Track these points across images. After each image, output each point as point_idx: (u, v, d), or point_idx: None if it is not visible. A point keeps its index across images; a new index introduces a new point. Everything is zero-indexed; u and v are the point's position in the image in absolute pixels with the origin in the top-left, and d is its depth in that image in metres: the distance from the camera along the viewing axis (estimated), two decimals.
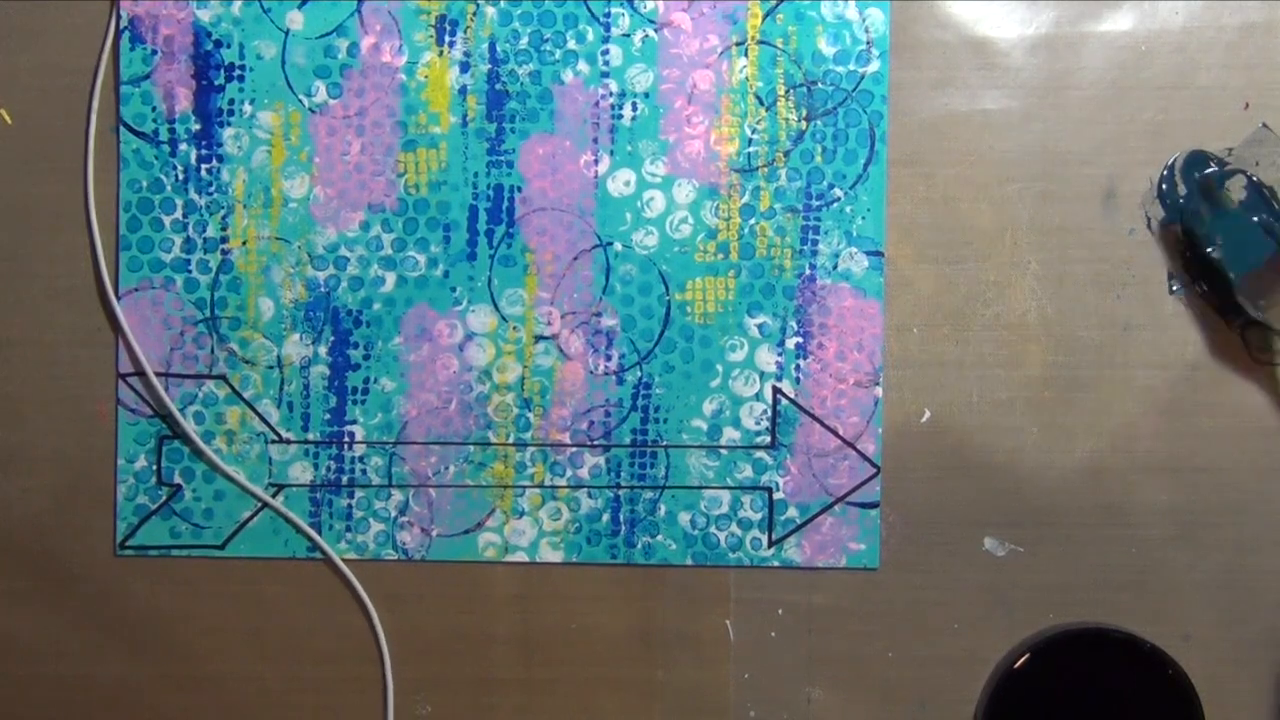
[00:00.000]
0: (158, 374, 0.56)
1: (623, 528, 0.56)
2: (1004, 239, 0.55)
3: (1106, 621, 0.55)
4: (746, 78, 0.55)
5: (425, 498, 0.56)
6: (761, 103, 0.55)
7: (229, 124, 0.56)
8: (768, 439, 0.56)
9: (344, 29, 0.56)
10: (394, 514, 0.56)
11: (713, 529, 0.56)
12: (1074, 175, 0.55)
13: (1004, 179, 0.55)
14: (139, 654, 0.57)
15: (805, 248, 0.55)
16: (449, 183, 0.56)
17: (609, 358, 0.56)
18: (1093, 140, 0.55)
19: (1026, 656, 0.54)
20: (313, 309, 0.56)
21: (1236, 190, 0.54)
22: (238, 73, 0.56)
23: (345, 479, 0.56)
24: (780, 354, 0.56)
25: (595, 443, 0.56)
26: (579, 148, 0.56)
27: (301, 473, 0.56)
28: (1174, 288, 0.55)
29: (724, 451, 0.56)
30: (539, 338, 0.56)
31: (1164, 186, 0.55)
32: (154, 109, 0.56)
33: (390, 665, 0.56)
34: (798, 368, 0.56)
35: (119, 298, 0.56)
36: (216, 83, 0.56)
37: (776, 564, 0.56)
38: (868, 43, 0.55)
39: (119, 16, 0.56)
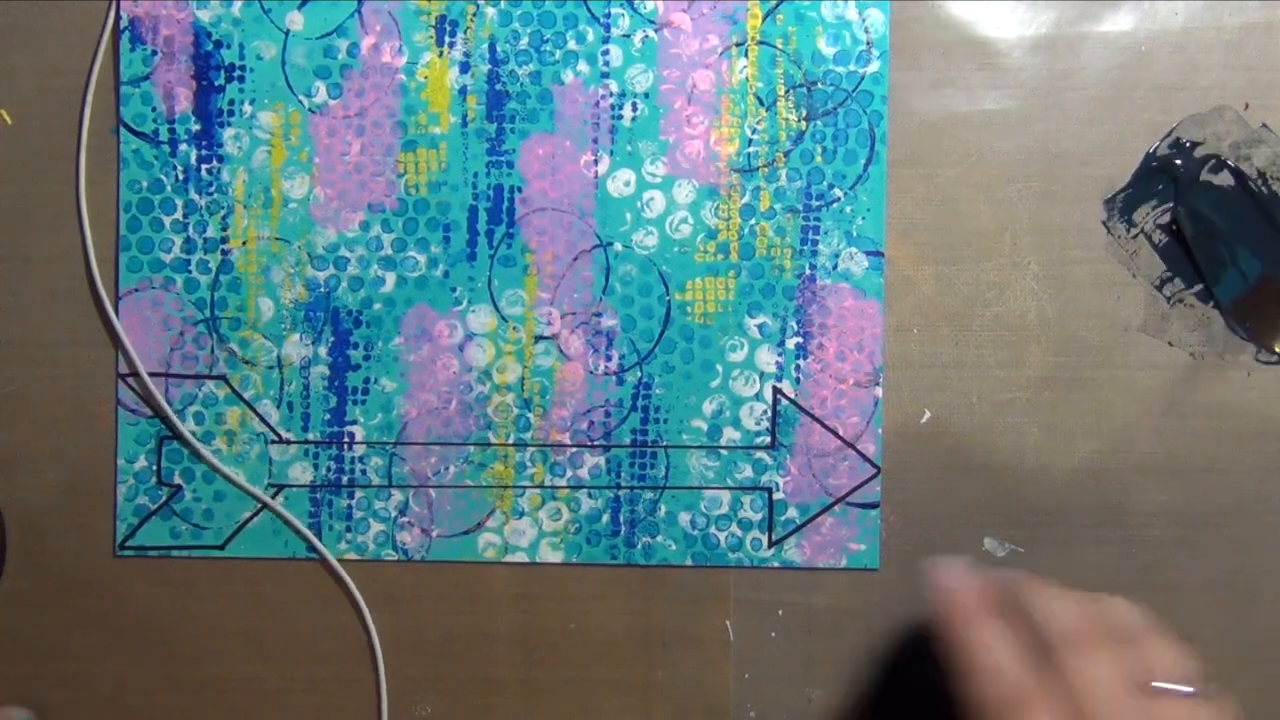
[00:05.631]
0: (158, 374, 0.56)
1: (623, 528, 0.56)
2: (1004, 239, 0.56)
3: None
4: (746, 78, 0.55)
5: (425, 498, 0.56)
6: (761, 103, 0.55)
7: (229, 124, 0.56)
8: (768, 439, 0.56)
9: (344, 29, 0.56)
10: (394, 514, 0.56)
11: (713, 529, 0.56)
12: (1074, 175, 0.55)
13: (1004, 179, 0.55)
14: (139, 654, 0.57)
15: (805, 248, 0.55)
16: (449, 183, 0.56)
17: (609, 358, 0.56)
18: (1093, 140, 0.55)
19: None
20: (313, 309, 0.56)
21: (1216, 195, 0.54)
22: (238, 73, 0.56)
23: (345, 479, 0.56)
24: (780, 354, 0.56)
25: (595, 443, 0.56)
26: (579, 148, 0.56)
27: (301, 473, 0.56)
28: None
29: (724, 452, 0.56)
30: (539, 338, 0.56)
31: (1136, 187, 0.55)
32: (154, 109, 0.56)
33: (384, 665, 0.56)
34: (798, 368, 0.56)
35: (119, 298, 0.56)
36: (216, 83, 0.56)
37: (776, 564, 0.56)
38: (867, 43, 0.55)
39: (119, 16, 0.56)
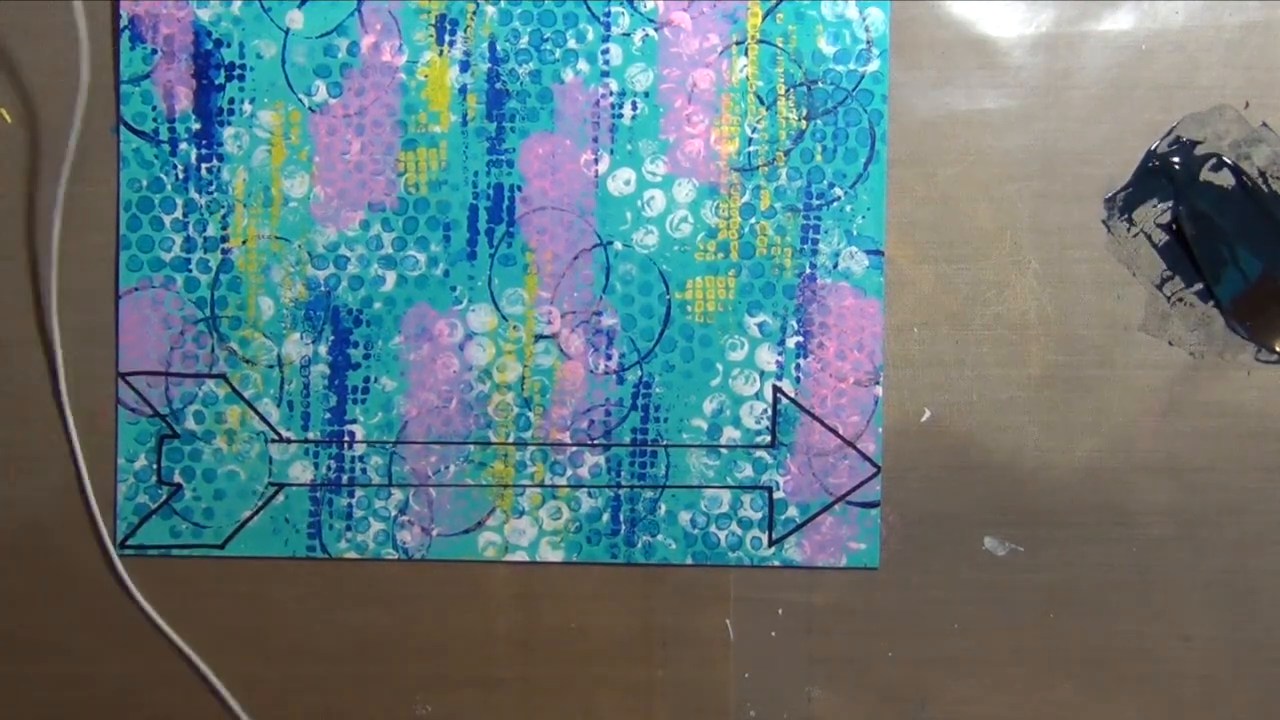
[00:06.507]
0: (158, 373, 0.56)
1: (623, 527, 0.56)
2: (1004, 239, 0.56)
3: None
4: (746, 77, 0.55)
5: (425, 497, 0.56)
6: (762, 102, 0.55)
7: (229, 123, 0.56)
8: (768, 438, 0.56)
9: (344, 28, 0.56)
10: (394, 513, 0.56)
11: (713, 528, 0.56)
12: (1074, 174, 0.55)
13: (1004, 179, 0.55)
14: (139, 654, 0.57)
15: (805, 247, 0.55)
16: (449, 182, 0.56)
17: (609, 357, 0.56)
18: (1093, 140, 0.55)
19: None
20: (313, 308, 0.56)
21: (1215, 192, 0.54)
22: (238, 72, 0.56)
23: (345, 478, 0.56)
24: (780, 353, 0.56)
25: (595, 442, 0.56)
26: (579, 147, 0.56)
27: (301, 472, 0.56)
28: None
29: (724, 451, 0.56)
30: (539, 337, 0.56)
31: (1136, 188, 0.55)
32: (154, 108, 0.56)
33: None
34: (798, 367, 0.56)
35: (119, 297, 0.56)
36: (217, 82, 0.56)
37: (776, 563, 0.56)
38: (868, 42, 0.55)
39: (119, 15, 0.56)
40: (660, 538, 0.56)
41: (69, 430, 0.56)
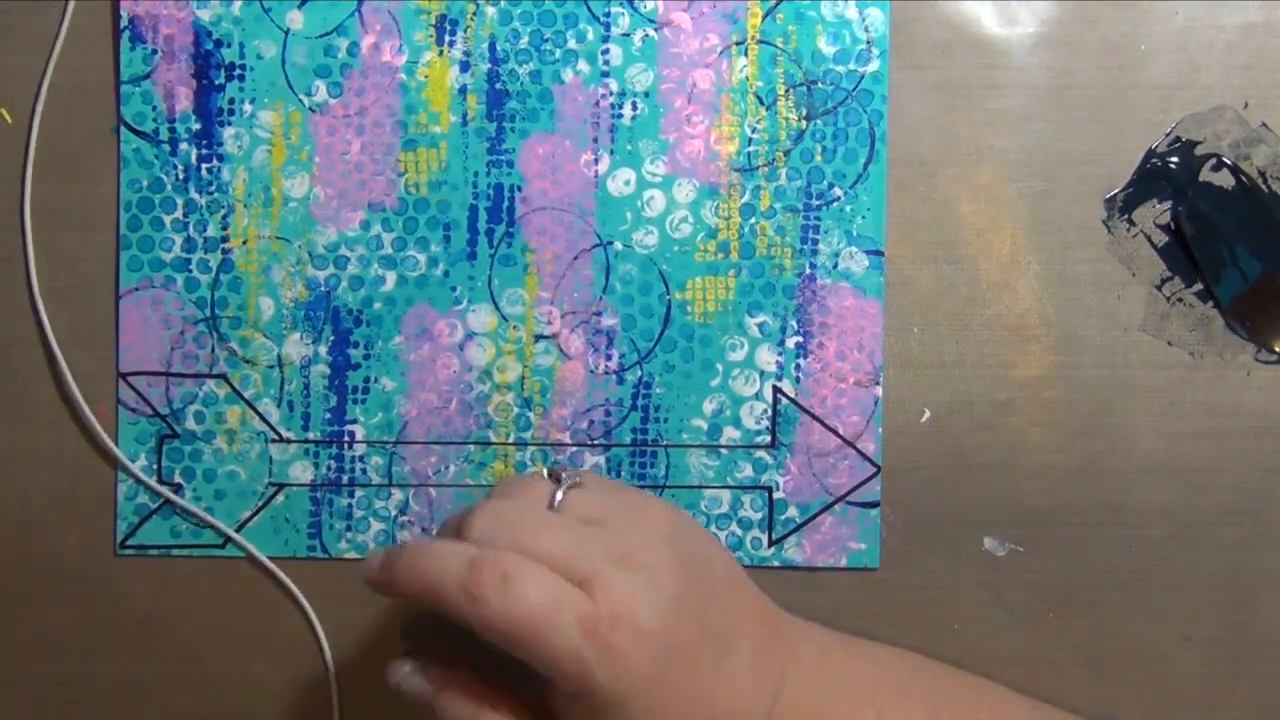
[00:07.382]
0: (158, 373, 0.56)
1: None
2: (1004, 239, 0.56)
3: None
4: (746, 77, 0.55)
5: (425, 497, 0.56)
6: (761, 102, 0.55)
7: (229, 123, 0.56)
8: (768, 438, 0.56)
9: (344, 28, 0.56)
10: (394, 513, 0.56)
11: (713, 528, 0.56)
12: (1074, 175, 0.55)
13: (1004, 179, 0.55)
14: (139, 654, 0.57)
15: (805, 247, 0.55)
16: (449, 182, 0.56)
17: (609, 357, 0.56)
18: (1093, 140, 0.55)
19: None
20: (313, 308, 0.56)
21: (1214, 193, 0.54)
22: (238, 72, 0.56)
23: (345, 478, 0.56)
24: (780, 353, 0.56)
25: (595, 442, 0.56)
26: (579, 147, 0.56)
27: (302, 472, 0.56)
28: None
29: (724, 451, 0.56)
30: (539, 337, 0.56)
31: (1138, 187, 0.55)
32: (154, 108, 0.56)
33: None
34: (798, 367, 0.56)
35: (119, 297, 0.56)
36: (217, 82, 0.56)
37: (777, 564, 0.56)
38: (868, 42, 0.55)
39: (119, 15, 0.56)
40: None
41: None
